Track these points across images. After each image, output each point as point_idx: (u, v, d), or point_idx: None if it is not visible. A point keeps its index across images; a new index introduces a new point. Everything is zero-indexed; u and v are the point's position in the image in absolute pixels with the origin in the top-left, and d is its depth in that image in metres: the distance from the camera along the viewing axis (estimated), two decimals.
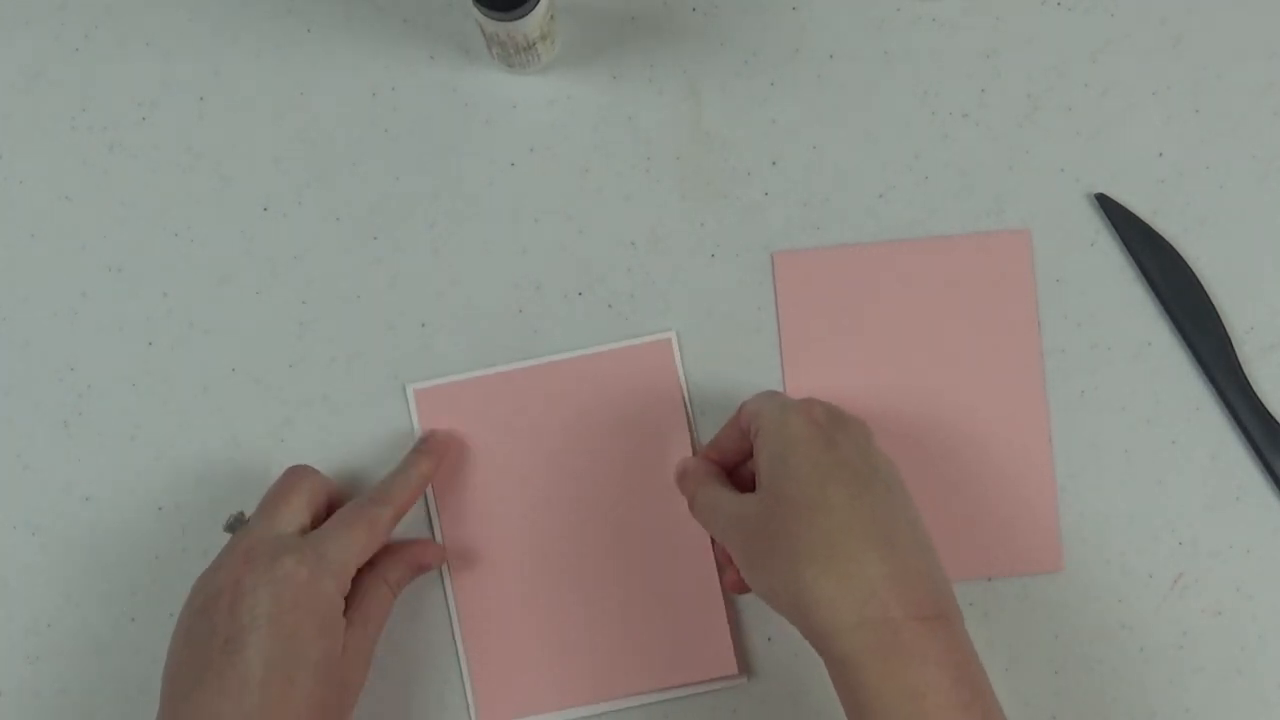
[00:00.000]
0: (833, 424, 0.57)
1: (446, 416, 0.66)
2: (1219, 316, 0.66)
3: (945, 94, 0.67)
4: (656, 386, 0.66)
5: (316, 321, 0.66)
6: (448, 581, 0.65)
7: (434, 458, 0.64)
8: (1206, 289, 0.66)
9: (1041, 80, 0.67)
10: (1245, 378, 0.66)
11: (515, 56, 0.64)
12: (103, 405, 0.66)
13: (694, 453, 0.65)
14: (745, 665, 0.65)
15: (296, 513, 0.60)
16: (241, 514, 0.62)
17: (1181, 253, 0.66)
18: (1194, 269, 0.66)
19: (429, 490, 0.65)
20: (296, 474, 0.62)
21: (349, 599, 0.59)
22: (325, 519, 0.61)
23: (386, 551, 0.62)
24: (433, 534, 0.65)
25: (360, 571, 0.60)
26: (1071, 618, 0.66)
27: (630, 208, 0.67)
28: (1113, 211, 0.67)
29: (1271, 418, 0.65)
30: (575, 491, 0.65)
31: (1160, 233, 0.66)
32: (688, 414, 0.66)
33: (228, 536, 0.62)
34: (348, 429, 0.66)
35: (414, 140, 0.67)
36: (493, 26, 0.60)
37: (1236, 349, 0.66)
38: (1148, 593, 0.66)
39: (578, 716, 0.65)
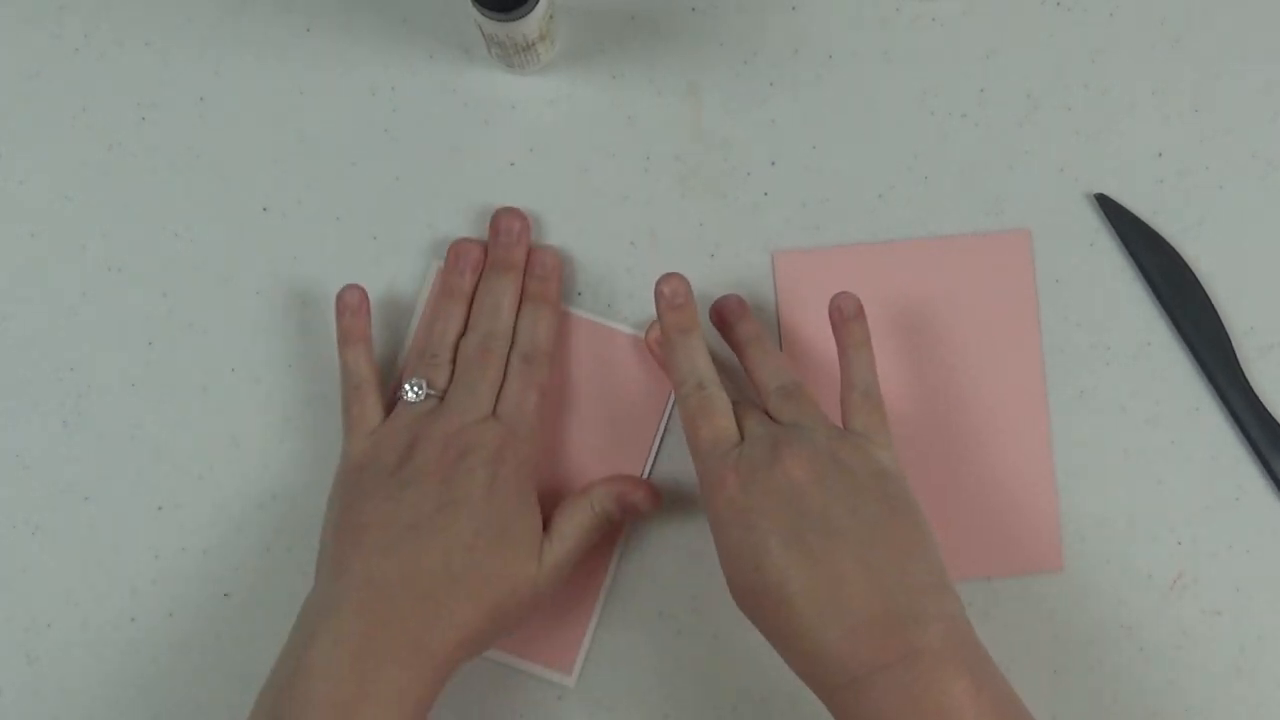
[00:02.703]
0: (752, 485, 0.56)
1: None
2: (1219, 316, 0.66)
3: (945, 94, 0.67)
4: (654, 385, 0.66)
5: (316, 322, 0.66)
6: None
7: (560, 279, 0.65)
8: (1206, 289, 0.66)
9: (1041, 80, 0.67)
10: (1245, 378, 0.66)
11: (515, 56, 0.64)
12: (103, 405, 0.66)
13: (648, 457, 0.65)
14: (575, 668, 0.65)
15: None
16: (425, 383, 0.62)
17: (1181, 253, 0.66)
18: (1194, 269, 0.66)
19: None
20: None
21: (550, 517, 0.61)
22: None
23: (600, 481, 0.63)
24: None
25: (569, 497, 0.63)
26: (1071, 618, 0.66)
27: (630, 208, 0.67)
28: (1112, 211, 0.67)
29: (1271, 418, 0.65)
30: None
31: (1160, 233, 0.66)
32: (663, 424, 0.66)
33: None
34: None
35: (414, 140, 0.67)
36: (492, 27, 0.60)
37: (1236, 349, 0.66)
38: (1147, 593, 0.66)
39: None
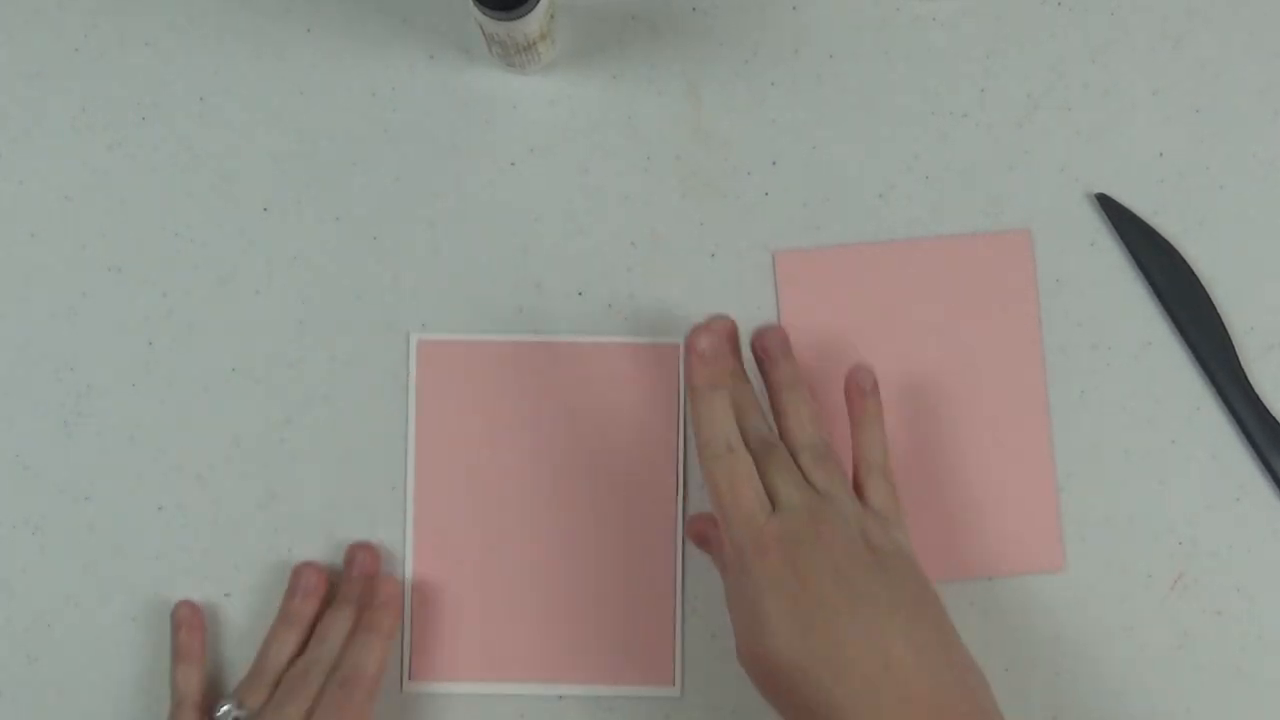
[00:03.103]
0: (799, 561, 0.55)
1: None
2: (1219, 316, 0.66)
3: (945, 94, 0.67)
4: (661, 387, 0.66)
5: (316, 321, 0.66)
6: (409, 546, 0.65)
7: (397, 610, 0.64)
8: (1206, 289, 0.66)
9: (1041, 80, 0.67)
10: (1245, 378, 0.66)
11: (515, 56, 0.64)
12: (103, 405, 0.66)
13: (678, 459, 0.65)
14: (683, 678, 0.65)
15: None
16: (237, 703, 0.61)
17: (1181, 253, 0.66)
18: (1194, 269, 0.66)
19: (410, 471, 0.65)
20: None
21: None
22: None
23: None
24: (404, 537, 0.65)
25: None
26: (1071, 618, 0.66)
27: (630, 208, 0.67)
28: (1113, 211, 0.67)
29: (1271, 418, 0.65)
30: (560, 484, 0.65)
31: (1160, 233, 0.66)
32: (680, 418, 0.66)
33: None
34: (348, 429, 0.66)
35: (414, 140, 0.67)
36: (493, 26, 0.60)
37: (1236, 349, 0.66)
38: (1148, 593, 0.66)
39: (517, 692, 0.65)
